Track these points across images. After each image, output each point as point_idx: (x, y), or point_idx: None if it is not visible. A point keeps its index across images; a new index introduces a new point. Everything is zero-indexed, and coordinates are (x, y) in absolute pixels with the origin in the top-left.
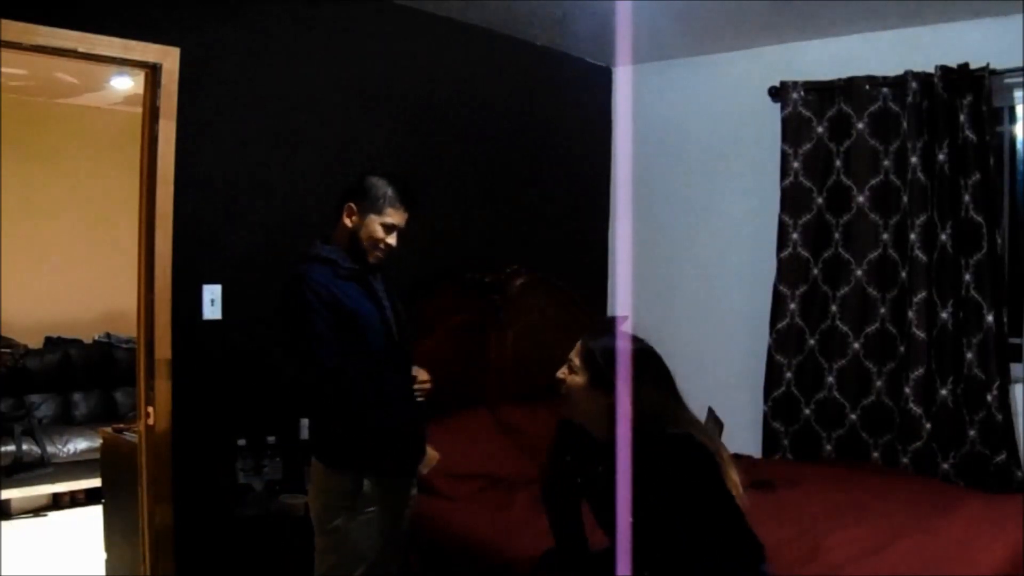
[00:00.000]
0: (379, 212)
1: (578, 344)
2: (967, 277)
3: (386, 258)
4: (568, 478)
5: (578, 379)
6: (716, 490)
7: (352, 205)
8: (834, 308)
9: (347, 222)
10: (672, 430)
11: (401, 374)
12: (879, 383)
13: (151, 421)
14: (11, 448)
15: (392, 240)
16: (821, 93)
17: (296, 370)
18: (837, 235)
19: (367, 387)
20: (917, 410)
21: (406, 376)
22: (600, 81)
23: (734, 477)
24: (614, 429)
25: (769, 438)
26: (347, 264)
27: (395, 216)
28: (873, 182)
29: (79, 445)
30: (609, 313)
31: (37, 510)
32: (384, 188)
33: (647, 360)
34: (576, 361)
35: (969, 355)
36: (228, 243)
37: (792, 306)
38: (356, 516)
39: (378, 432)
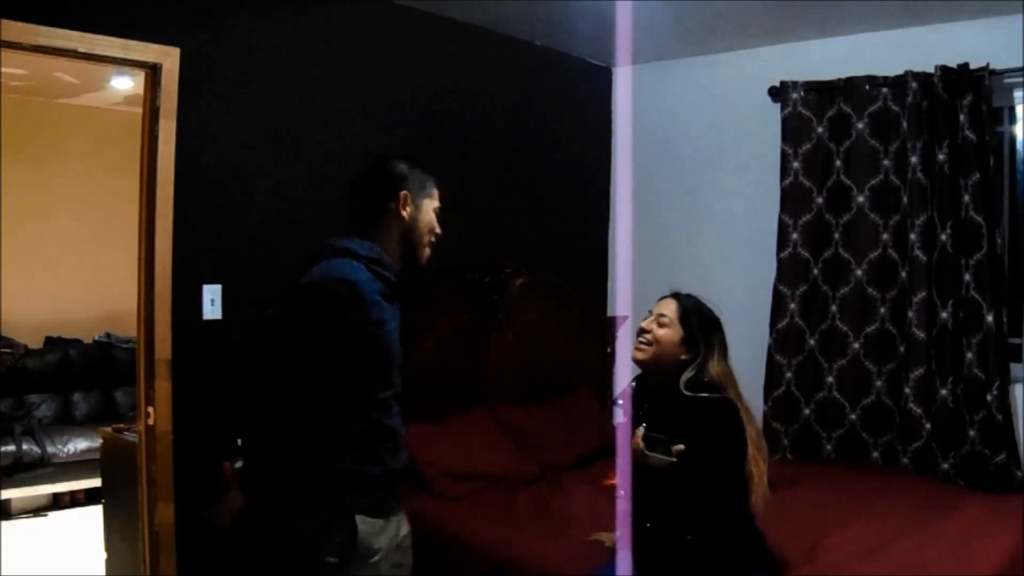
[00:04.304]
0: (431, 196)
1: (669, 301)
2: (967, 277)
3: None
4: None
5: (671, 333)
6: (738, 467)
7: (406, 194)
8: (834, 308)
9: (404, 214)
10: (729, 396)
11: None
12: (879, 383)
13: (151, 421)
14: (11, 448)
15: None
16: (821, 93)
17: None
18: (837, 235)
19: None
20: (917, 410)
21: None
22: (600, 81)
23: (761, 463)
24: (677, 379)
25: (769, 438)
26: (389, 275)
27: (438, 198)
28: (873, 182)
29: (79, 445)
30: (609, 313)
31: (37, 510)
32: (420, 171)
33: (720, 330)
34: (670, 317)
35: (969, 355)
36: (228, 243)
37: (792, 306)
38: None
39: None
